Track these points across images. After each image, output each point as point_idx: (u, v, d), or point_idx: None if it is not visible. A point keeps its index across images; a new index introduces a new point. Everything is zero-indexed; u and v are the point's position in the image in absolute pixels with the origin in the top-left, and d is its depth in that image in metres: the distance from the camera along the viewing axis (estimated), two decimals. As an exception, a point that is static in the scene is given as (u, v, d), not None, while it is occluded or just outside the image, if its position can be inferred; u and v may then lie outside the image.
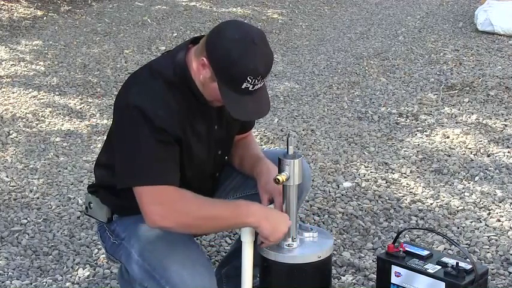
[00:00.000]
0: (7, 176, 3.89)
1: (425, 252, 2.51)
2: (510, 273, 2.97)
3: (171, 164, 2.21)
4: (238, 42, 2.10)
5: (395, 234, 3.01)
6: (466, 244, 3.18)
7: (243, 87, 2.12)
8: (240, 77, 2.10)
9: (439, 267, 2.44)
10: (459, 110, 4.82)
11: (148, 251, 2.26)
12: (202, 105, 2.28)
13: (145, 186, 2.18)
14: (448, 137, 4.37)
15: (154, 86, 2.21)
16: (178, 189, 2.20)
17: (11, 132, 4.50)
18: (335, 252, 3.09)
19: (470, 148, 4.19)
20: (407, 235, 3.24)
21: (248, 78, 2.10)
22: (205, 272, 2.21)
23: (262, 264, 2.33)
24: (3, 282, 2.92)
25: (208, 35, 2.18)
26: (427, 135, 4.41)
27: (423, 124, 4.60)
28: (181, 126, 2.23)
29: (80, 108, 4.94)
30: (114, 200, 2.42)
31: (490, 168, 3.92)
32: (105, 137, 4.31)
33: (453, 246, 3.10)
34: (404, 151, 4.19)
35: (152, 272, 2.21)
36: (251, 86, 2.12)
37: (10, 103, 5.01)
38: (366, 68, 5.80)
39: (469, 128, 4.50)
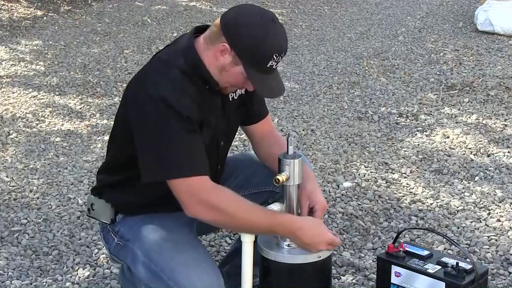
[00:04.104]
0: (7, 176, 3.89)
1: (425, 252, 2.51)
2: (510, 273, 2.97)
3: (201, 154, 2.21)
4: (260, 24, 2.17)
5: (395, 234, 3.01)
6: (466, 244, 3.18)
7: (268, 66, 2.19)
8: (267, 56, 2.17)
9: (439, 267, 2.44)
10: (459, 110, 4.82)
11: (155, 252, 2.25)
12: (211, 94, 2.30)
13: (181, 179, 2.18)
14: (448, 137, 4.37)
15: (171, 75, 2.22)
16: (213, 184, 2.21)
17: (11, 132, 4.50)
18: (335, 252, 3.09)
19: (470, 148, 4.19)
20: (407, 235, 3.24)
21: (274, 56, 2.18)
22: (212, 273, 2.21)
23: (262, 264, 2.33)
24: (3, 282, 2.92)
25: (224, 22, 2.20)
26: (427, 135, 4.41)
27: (423, 124, 4.60)
28: (200, 114, 2.24)
29: (80, 108, 4.94)
30: (121, 198, 2.41)
31: (490, 168, 3.92)
32: (105, 137, 4.36)
33: (453, 246, 3.10)
34: (404, 151, 4.19)
35: (160, 273, 2.21)
36: (275, 64, 2.21)
37: (10, 103, 5.01)
38: (366, 68, 5.80)
39: (469, 128, 4.50)
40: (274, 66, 2.21)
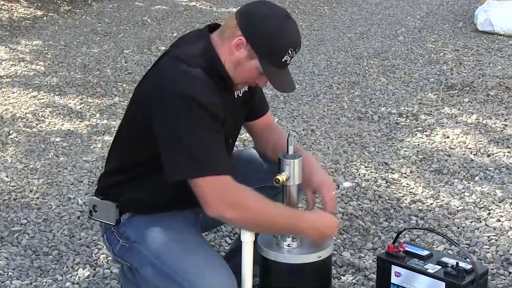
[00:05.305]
0: (7, 176, 3.89)
1: (425, 252, 2.51)
2: (510, 273, 2.97)
3: (226, 154, 2.23)
4: (275, 18, 2.21)
5: (396, 234, 3.01)
6: (466, 244, 3.18)
7: (283, 60, 2.22)
8: (282, 50, 2.20)
9: (439, 267, 2.44)
10: (459, 110, 4.82)
11: (166, 254, 2.24)
12: (225, 92, 2.30)
13: (206, 177, 2.16)
14: (448, 137, 4.37)
15: (197, 74, 2.21)
16: (236, 182, 2.20)
17: (11, 132, 4.50)
18: (335, 252, 3.09)
19: (470, 148, 4.19)
20: (407, 235, 3.24)
21: (289, 51, 2.21)
22: (225, 274, 2.21)
23: (262, 264, 2.33)
24: (3, 282, 2.92)
25: (240, 16, 2.22)
26: (427, 135, 4.41)
27: (423, 124, 4.60)
28: (223, 112, 2.25)
29: (80, 108, 4.94)
30: (130, 197, 2.39)
31: (490, 168, 3.92)
32: (105, 137, 4.36)
33: (453, 246, 3.10)
34: (404, 151, 4.19)
35: (173, 274, 2.20)
36: (289, 59, 2.23)
37: (10, 103, 5.01)
38: (366, 68, 5.80)
39: (469, 128, 4.50)
40: (288, 61, 2.23)
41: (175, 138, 2.19)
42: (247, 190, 2.22)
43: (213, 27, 2.34)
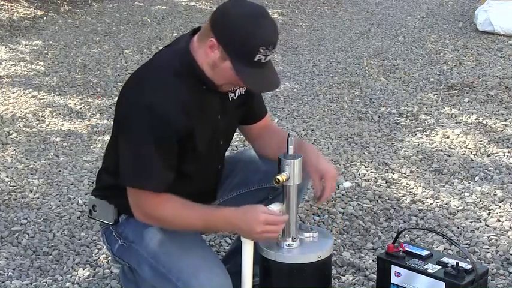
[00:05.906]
0: (7, 176, 3.89)
1: (425, 252, 2.51)
2: (510, 273, 2.97)
3: (161, 170, 2.23)
4: (246, 17, 2.16)
5: (395, 234, 3.01)
6: (466, 244, 3.18)
7: (256, 59, 2.15)
8: (252, 49, 2.14)
9: (439, 267, 2.44)
10: (459, 110, 4.82)
11: (162, 254, 2.26)
12: (209, 94, 2.29)
13: (133, 190, 2.25)
14: (448, 137, 4.37)
15: (164, 79, 2.23)
16: (160, 196, 2.23)
17: (11, 132, 4.50)
18: (335, 252, 3.09)
19: (470, 148, 4.19)
20: (407, 235, 3.24)
21: (261, 49, 2.14)
22: (221, 274, 2.22)
23: (262, 264, 2.34)
24: (3, 282, 2.92)
25: (212, 18, 2.20)
26: (427, 135, 4.41)
27: (423, 124, 4.60)
28: (191, 117, 2.24)
29: (80, 108, 4.94)
30: (125, 199, 2.40)
31: (490, 168, 3.92)
32: (105, 137, 4.36)
33: (453, 246, 3.10)
34: (404, 151, 4.19)
35: (168, 274, 2.22)
36: (263, 58, 2.16)
37: (10, 103, 5.01)
38: (366, 68, 5.80)
39: (469, 128, 4.50)
40: (263, 60, 2.17)
41: (123, 143, 2.25)
42: (166, 203, 2.25)
43: (200, 29, 2.33)
